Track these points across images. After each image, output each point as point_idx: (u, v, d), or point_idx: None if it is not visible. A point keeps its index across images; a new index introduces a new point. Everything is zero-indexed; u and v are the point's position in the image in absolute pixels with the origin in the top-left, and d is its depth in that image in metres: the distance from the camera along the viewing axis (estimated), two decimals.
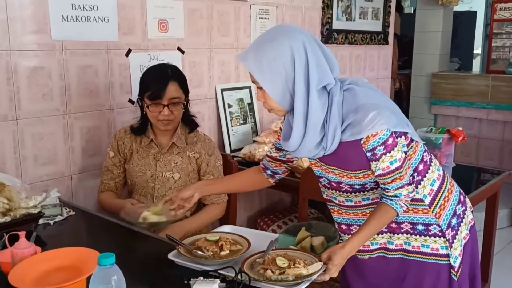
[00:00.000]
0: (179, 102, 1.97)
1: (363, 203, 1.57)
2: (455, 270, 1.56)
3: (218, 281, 1.28)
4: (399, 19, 4.77)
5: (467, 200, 1.70)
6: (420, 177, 1.55)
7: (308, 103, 1.38)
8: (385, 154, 1.41)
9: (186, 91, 2.02)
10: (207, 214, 2.08)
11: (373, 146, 1.41)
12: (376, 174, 1.45)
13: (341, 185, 1.56)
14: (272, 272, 1.33)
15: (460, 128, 2.34)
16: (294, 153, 1.50)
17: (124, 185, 2.15)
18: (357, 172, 1.49)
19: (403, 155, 1.46)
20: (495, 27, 4.79)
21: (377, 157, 1.42)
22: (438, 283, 1.57)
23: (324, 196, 1.68)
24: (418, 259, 1.57)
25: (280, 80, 1.37)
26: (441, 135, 2.31)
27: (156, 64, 2.09)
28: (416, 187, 1.53)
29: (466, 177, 2.68)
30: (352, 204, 1.58)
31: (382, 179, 1.45)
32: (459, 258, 1.58)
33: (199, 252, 1.47)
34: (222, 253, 1.48)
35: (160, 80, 1.95)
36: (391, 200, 1.46)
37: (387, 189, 1.46)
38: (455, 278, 1.56)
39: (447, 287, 1.57)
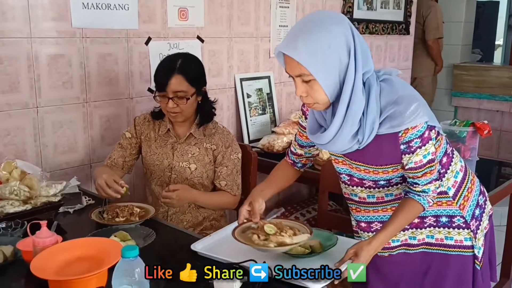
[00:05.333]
0: (184, 96, 1.92)
1: (386, 199, 1.54)
2: (479, 260, 1.57)
3: (238, 280, 1.26)
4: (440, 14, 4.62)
5: (485, 190, 1.70)
6: (444, 170, 1.53)
7: (352, 91, 1.33)
8: (420, 147, 1.38)
9: (196, 84, 1.95)
10: (219, 195, 2.06)
11: (410, 139, 1.37)
12: (407, 167, 1.42)
13: (363, 181, 1.53)
14: (258, 237, 1.34)
15: (486, 121, 2.28)
16: (326, 146, 1.44)
17: (130, 169, 2.12)
18: (387, 166, 1.45)
19: (434, 149, 1.43)
20: None
21: (412, 149, 1.38)
22: (463, 274, 1.57)
23: (343, 192, 1.66)
24: (442, 251, 1.56)
25: (333, 69, 1.31)
26: (466, 128, 2.26)
27: (170, 54, 2.05)
28: (441, 180, 1.51)
29: (489, 171, 2.63)
30: (374, 200, 1.56)
31: (412, 173, 1.42)
32: (482, 248, 1.59)
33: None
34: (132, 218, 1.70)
35: (165, 72, 1.92)
36: (419, 195, 1.44)
37: (416, 184, 1.43)
38: (479, 268, 1.57)
39: (471, 278, 1.57)
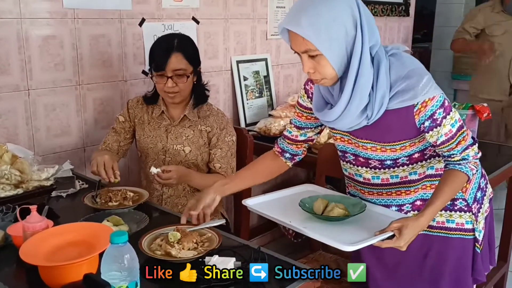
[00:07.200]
0: (183, 74, 1.90)
1: (390, 181, 1.52)
2: (479, 243, 1.56)
3: (233, 259, 1.26)
4: None
5: (485, 173, 1.68)
6: None
7: (360, 64, 1.30)
8: (445, 117, 1.36)
9: (194, 62, 1.94)
10: (213, 177, 2.01)
11: (432, 111, 1.34)
12: (439, 142, 1.39)
13: (369, 161, 1.50)
14: (159, 244, 1.35)
15: (485, 104, 2.25)
16: (333, 122, 1.42)
17: (125, 153, 2.10)
18: (395, 143, 1.42)
19: (459, 115, 1.40)
20: None
21: (438, 122, 1.35)
22: (463, 258, 1.56)
23: (346, 173, 1.62)
24: (442, 234, 1.55)
25: (339, 42, 1.29)
26: (465, 111, 2.24)
27: (165, 34, 2.02)
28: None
29: (487, 155, 2.60)
30: (379, 182, 1.53)
31: (446, 146, 1.39)
32: (483, 232, 1.58)
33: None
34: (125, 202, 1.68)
35: (164, 51, 1.89)
36: (460, 164, 1.40)
37: (453, 154, 1.40)
38: (479, 251, 1.56)
39: (471, 261, 1.56)
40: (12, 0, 1.92)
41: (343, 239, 1.31)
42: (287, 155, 1.66)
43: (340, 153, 1.59)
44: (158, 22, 2.40)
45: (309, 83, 1.55)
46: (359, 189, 1.60)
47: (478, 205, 1.57)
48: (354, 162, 1.54)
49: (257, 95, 2.96)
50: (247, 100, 2.89)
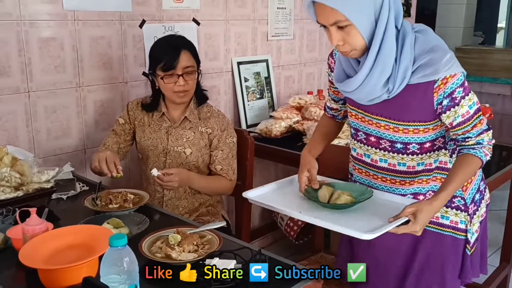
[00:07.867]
0: (193, 71, 1.92)
1: (397, 168, 1.50)
2: (470, 245, 1.55)
3: (234, 261, 1.25)
4: None
5: (484, 177, 1.67)
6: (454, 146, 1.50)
7: (384, 33, 1.31)
8: (463, 97, 1.35)
9: (198, 60, 1.97)
10: (215, 179, 2.03)
11: (452, 89, 1.34)
12: (455, 123, 1.37)
13: (380, 141, 1.49)
14: (159, 247, 1.34)
15: (487, 105, 2.24)
16: (353, 93, 1.42)
17: (125, 155, 2.10)
18: (409, 123, 1.41)
19: (477, 98, 1.39)
20: None
21: (456, 101, 1.35)
22: (452, 256, 1.55)
23: (355, 154, 1.61)
24: (435, 230, 1.54)
25: (368, 10, 1.29)
26: None
27: (163, 36, 2.03)
28: (451, 156, 1.48)
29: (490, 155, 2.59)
30: (386, 165, 1.52)
31: (462, 128, 1.38)
32: (476, 235, 1.56)
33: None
34: (126, 204, 1.65)
35: (172, 50, 1.89)
36: (474, 149, 1.38)
37: (468, 138, 1.39)
38: (469, 253, 1.55)
39: (460, 261, 1.55)
40: (12, 2, 1.91)
41: (357, 227, 1.29)
42: (339, 117, 1.73)
43: (352, 131, 1.60)
44: (159, 23, 2.40)
45: (329, 57, 1.58)
46: (365, 171, 1.58)
47: (475, 207, 1.56)
48: (365, 141, 1.54)
49: (258, 96, 2.95)
50: (248, 101, 2.89)
